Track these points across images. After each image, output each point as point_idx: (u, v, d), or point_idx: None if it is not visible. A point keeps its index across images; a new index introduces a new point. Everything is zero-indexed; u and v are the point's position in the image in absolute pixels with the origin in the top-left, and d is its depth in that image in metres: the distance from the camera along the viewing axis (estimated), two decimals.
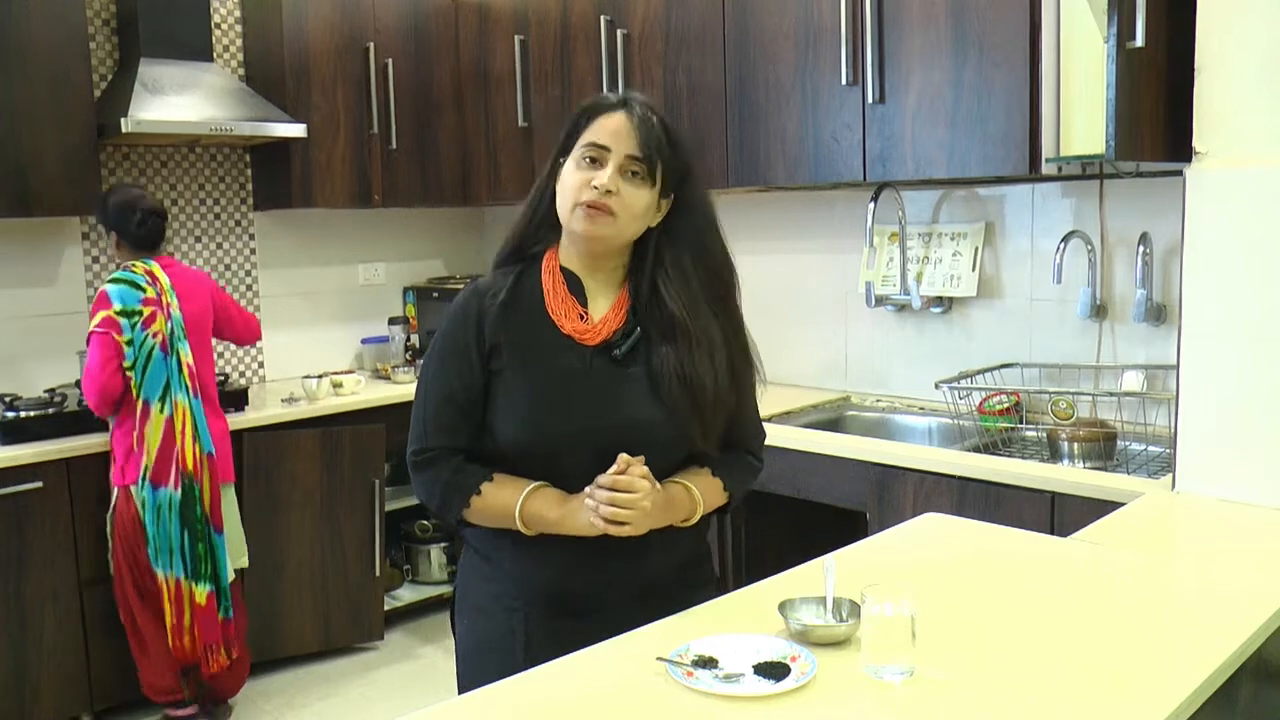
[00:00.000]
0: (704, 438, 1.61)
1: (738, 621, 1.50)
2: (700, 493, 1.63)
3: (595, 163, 1.56)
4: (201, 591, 3.06)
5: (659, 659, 1.36)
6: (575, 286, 1.63)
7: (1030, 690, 1.29)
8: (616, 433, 1.55)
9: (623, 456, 1.50)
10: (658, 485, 1.54)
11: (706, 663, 1.35)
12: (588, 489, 1.52)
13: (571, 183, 1.57)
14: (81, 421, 3.18)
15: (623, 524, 1.49)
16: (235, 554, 3.22)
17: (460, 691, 1.58)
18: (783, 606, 1.47)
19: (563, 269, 1.64)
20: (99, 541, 3.14)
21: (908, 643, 1.31)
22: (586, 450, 1.54)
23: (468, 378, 1.60)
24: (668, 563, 1.65)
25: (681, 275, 1.60)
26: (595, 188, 1.54)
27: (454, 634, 1.76)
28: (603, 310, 1.63)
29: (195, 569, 3.04)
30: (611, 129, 1.56)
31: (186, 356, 3.03)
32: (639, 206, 1.57)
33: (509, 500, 1.56)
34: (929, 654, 1.35)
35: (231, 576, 3.16)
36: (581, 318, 1.61)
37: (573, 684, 1.36)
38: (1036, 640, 1.44)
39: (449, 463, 1.60)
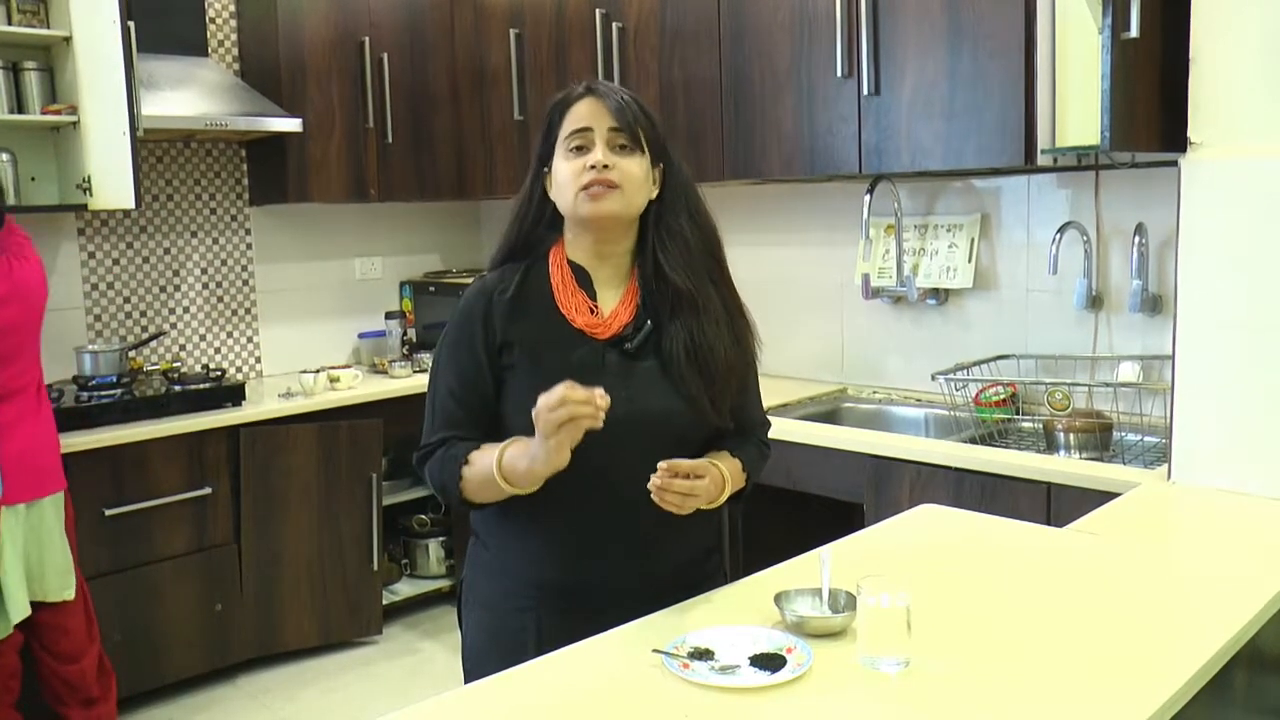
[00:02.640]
0: (717, 411, 1.61)
1: (734, 613, 1.50)
2: (727, 473, 1.61)
3: (582, 149, 1.57)
4: None
5: (655, 651, 1.36)
6: (583, 280, 1.63)
7: (1026, 680, 1.30)
8: (632, 426, 1.54)
9: (663, 465, 1.48)
10: (714, 466, 1.55)
11: (702, 654, 1.35)
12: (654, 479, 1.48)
13: (567, 174, 1.57)
14: (68, 420, 3.17)
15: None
16: (56, 587, 2.82)
17: None
18: (779, 598, 1.47)
19: (570, 263, 1.64)
20: None
21: (903, 634, 1.31)
22: (601, 444, 1.52)
23: (474, 375, 1.60)
24: (679, 555, 1.65)
25: (679, 243, 1.61)
26: (592, 168, 1.55)
27: (461, 627, 1.75)
28: (612, 303, 1.63)
29: None
30: (587, 112, 1.58)
31: None
32: (638, 174, 1.58)
33: (489, 460, 1.52)
34: (925, 645, 1.35)
35: (24, 614, 2.74)
36: (592, 311, 1.61)
37: (569, 676, 1.36)
38: (1032, 630, 1.45)
39: (445, 447, 1.60)
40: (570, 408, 1.39)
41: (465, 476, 1.56)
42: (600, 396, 1.41)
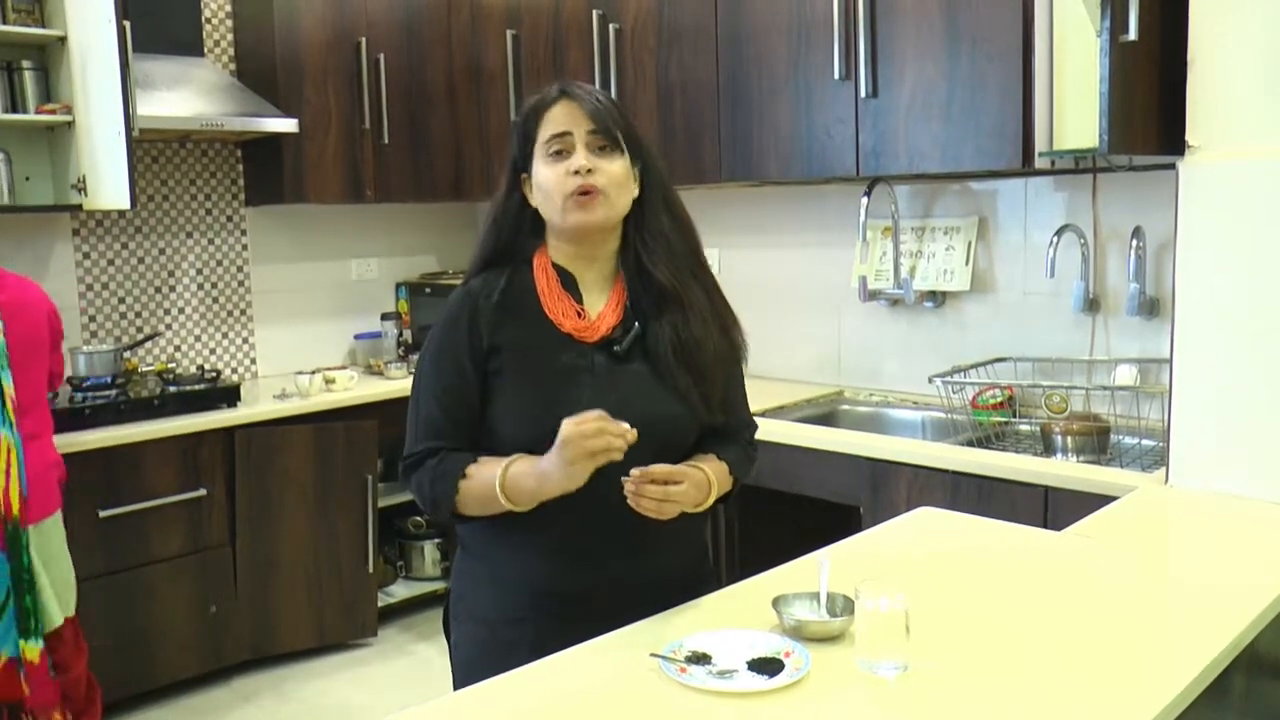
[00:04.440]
0: (707, 407, 1.60)
1: (731, 617, 1.50)
2: (713, 476, 1.60)
3: (562, 153, 1.56)
4: (34, 649, 2.61)
5: (652, 655, 1.35)
6: (569, 283, 1.62)
7: (1025, 684, 1.29)
8: None
9: (634, 472, 1.46)
10: (697, 469, 1.54)
11: (700, 659, 1.35)
12: (631, 478, 1.47)
13: (550, 181, 1.56)
14: (63, 421, 3.16)
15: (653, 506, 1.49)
16: (63, 602, 2.77)
17: None
18: (776, 602, 1.47)
19: (556, 266, 1.63)
20: None
21: (902, 638, 1.31)
22: None
23: (460, 381, 1.58)
24: (673, 559, 1.64)
25: (661, 241, 1.61)
26: (576, 173, 1.54)
27: (448, 638, 1.73)
28: (599, 307, 1.62)
29: (24, 624, 2.60)
30: (564, 116, 1.58)
31: (9, 386, 2.57)
32: (620, 176, 1.57)
33: (490, 474, 1.51)
34: (923, 649, 1.35)
35: (58, 623, 2.69)
36: (579, 315, 1.60)
37: (566, 680, 1.35)
38: (1030, 634, 1.44)
39: (435, 456, 1.58)
40: (607, 439, 1.39)
41: (462, 490, 1.54)
42: (629, 431, 1.41)
